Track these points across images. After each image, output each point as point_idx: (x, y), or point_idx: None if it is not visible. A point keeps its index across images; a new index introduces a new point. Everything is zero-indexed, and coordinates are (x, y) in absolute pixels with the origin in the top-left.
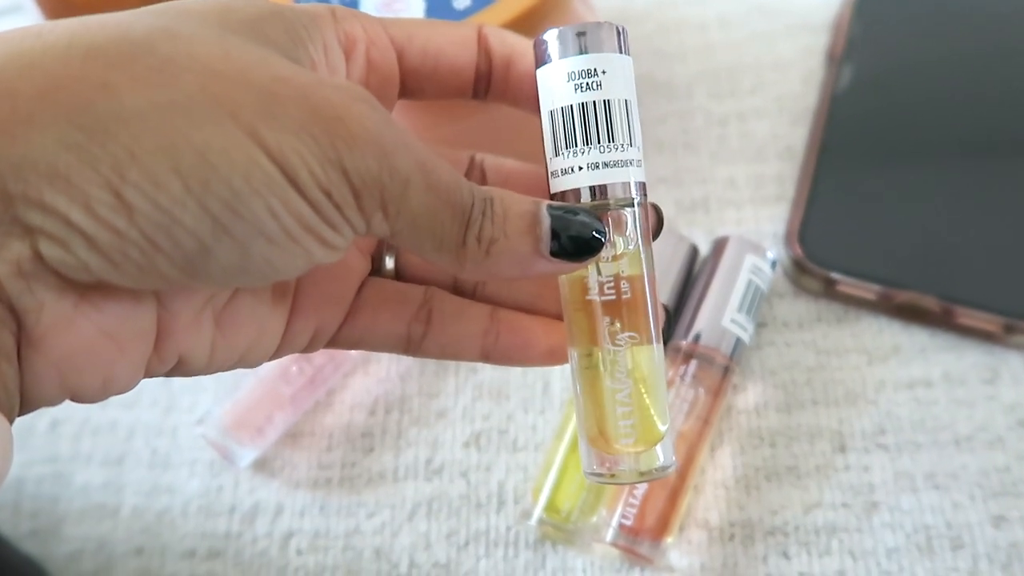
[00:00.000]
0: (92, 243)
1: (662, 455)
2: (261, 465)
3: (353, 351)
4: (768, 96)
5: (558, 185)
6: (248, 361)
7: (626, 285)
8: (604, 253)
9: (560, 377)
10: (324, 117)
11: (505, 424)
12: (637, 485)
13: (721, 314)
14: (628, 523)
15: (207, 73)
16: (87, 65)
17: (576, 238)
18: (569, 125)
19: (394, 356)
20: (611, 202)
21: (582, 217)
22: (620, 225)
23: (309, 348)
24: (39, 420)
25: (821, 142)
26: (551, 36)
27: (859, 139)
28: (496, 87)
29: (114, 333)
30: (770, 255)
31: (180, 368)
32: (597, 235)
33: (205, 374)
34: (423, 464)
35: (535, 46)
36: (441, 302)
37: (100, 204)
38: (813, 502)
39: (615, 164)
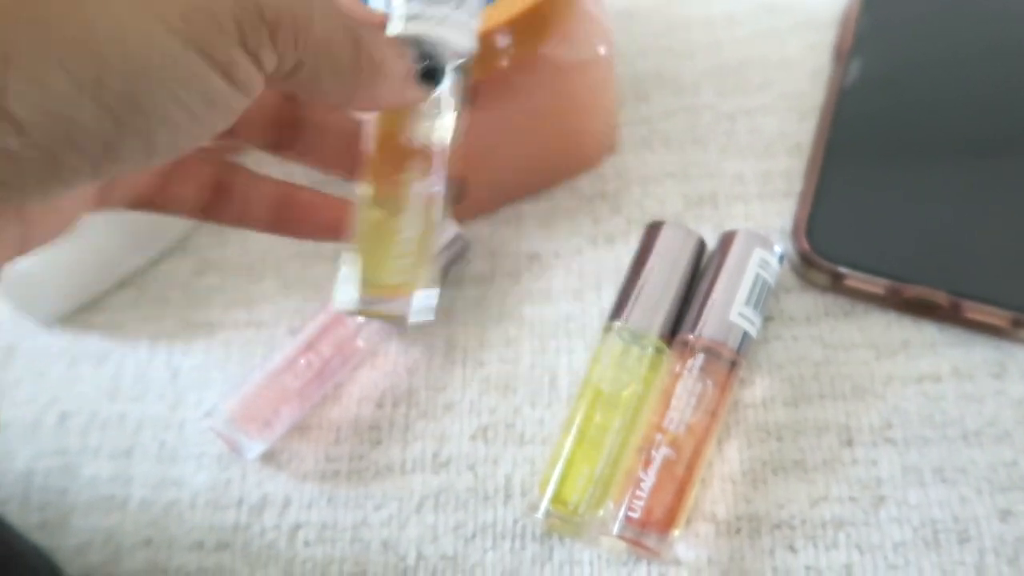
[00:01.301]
0: None
1: (412, 305)
2: (269, 458)
3: (360, 342)
4: (775, 92)
5: (391, 30)
6: (48, 244)
7: (437, 138)
8: (427, 102)
9: (568, 371)
10: None
11: (512, 417)
12: (646, 473)
13: (728, 308)
14: (635, 516)
15: None
16: None
17: (437, 66)
18: None
19: (401, 349)
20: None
21: (439, 48)
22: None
23: (99, 206)
24: (47, 414)
25: (829, 138)
26: None
27: (867, 135)
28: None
29: None
30: (778, 249)
31: None
32: (442, 68)
33: (8, 260)
34: (430, 457)
35: None
36: (235, 173)
37: None
38: (820, 496)
39: (452, 24)
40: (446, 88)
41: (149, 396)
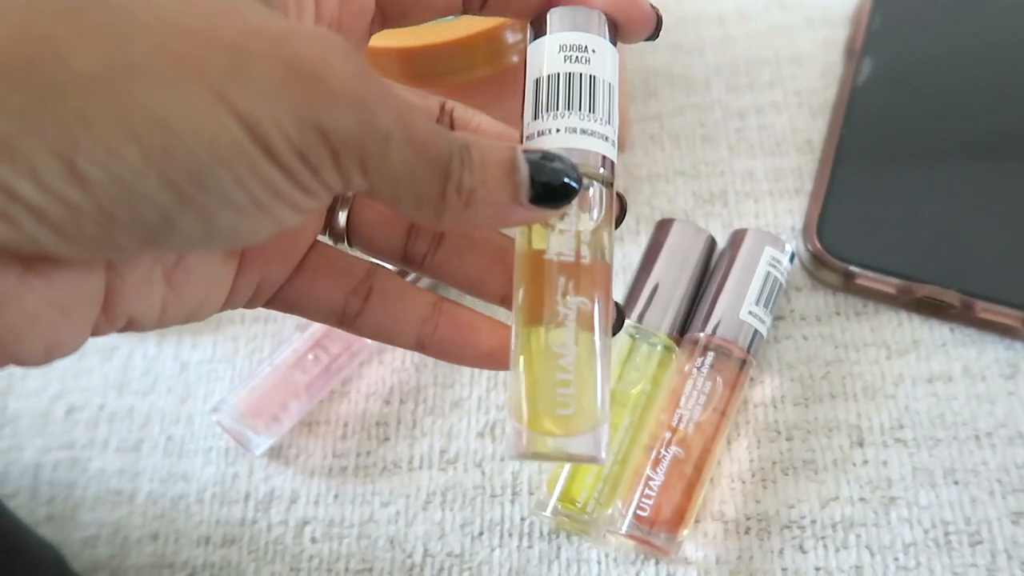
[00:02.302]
0: (42, 217)
1: (594, 443)
2: (276, 453)
3: (369, 339)
4: (787, 89)
5: (531, 146)
6: (196, 316)
7: (585, 251)
8: (569, 219)
9: None
10: (299, 74)
11: None
12: (655, 472)
13: (739, 307)
14: (644, 514)
15: (166, 28)
16: (28, 20)
17: (553, 183)
18: (553, 91)
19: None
20: (582, 166)
21: (558, 163)
22: (585, 197)
23: (250, 304)
24: (56, 407)
25: (840, 135)
26: (550, 14)
27: (878, 132)
28: None
29: (61, 302)
30: (788, 248)
31: (129, 327)
32: (572, 180)
33: (154, 329)
34: (438, 454)
35: (531, 24)
36: (384, 281)
37: (50, 174)
38: (830, 496)
39: (591, 133)
40: (595, 202)
41: (157, 390)
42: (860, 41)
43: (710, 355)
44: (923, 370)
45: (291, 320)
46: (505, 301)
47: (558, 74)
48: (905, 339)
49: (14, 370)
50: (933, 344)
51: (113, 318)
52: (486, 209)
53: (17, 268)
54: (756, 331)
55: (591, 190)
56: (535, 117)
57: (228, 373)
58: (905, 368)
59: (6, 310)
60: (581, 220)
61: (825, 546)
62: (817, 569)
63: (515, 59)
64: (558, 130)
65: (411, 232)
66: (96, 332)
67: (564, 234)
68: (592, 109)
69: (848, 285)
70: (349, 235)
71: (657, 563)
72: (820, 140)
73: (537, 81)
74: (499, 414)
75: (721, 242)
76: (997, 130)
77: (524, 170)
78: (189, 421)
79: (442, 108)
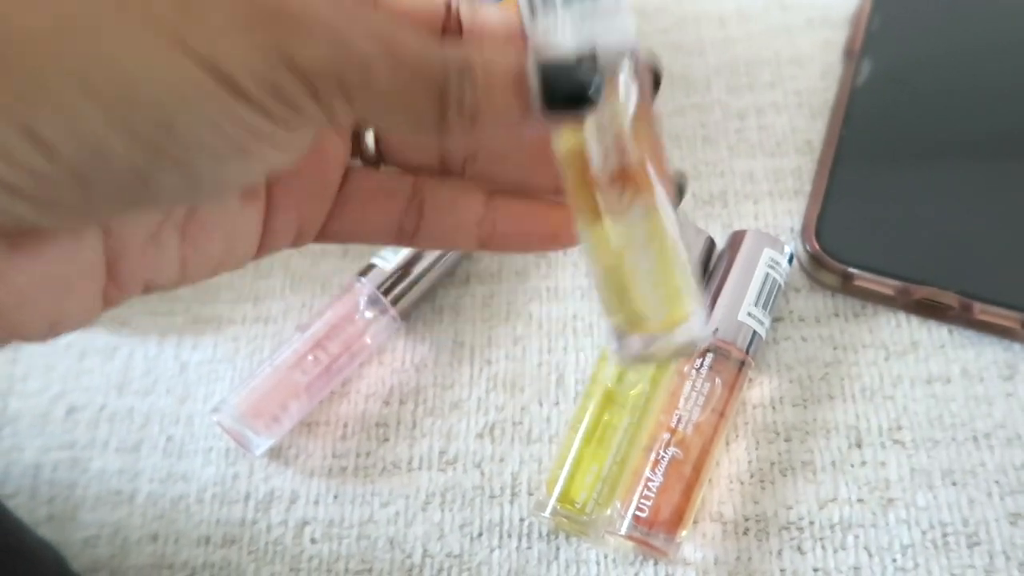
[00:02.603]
0: (14, 191)
1: (696, 325)
2: (276, 453)
3: (368, 339)
4: (787, 90)
5: (541, 47)
6: (227, 266)
7: (629, 141)
8: (601, 115)
9: (575, 369)
10: (260, 6)
11: (519, 416)
12: (654, 472)
13: (737, 308)
14: (643, 515)
15: None
16: None
17: (569, 91)
18: None
19: (409, 346)
20: (602, 57)
21: (574, 67)
22: (613, 84)
23: (296, 244)
24: (56, 407)
25: (840, 136)
26: None
27: (878, 134)
28: None
29: (56, 277)
30: (787, 249)
31: (149, 290)
32: (592, 85)
33: (181, 287)
34: (437, 454)
35: None
36: (433, 193)
37: (12, 146)
38: (828, 497)
39: (603, 15)
40: (625, 85)
41: (157, 390)
42: (860, 42)
43: (709, 356)
44: (921, 371)
45: (291, 321)
46: (559, 193)
47: None
48: (904, 340)
49: (15, 370)
50: (931, 345)
51: (124, 285)
52: (495, 126)
53: (2, 247)
54: (755, 332)
55: (620, 76)
56: (533, 15)
57: (228, 373)
58: (903, 369)
59: None
60: (616, 110)
61: (823, 547)
62: (815, 570)
63: None
64: (565, 22)
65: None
66: (110, 301)
67: (602, 130)
68: None
69: (847, 286)
70: (382, 156)
71: (656, 564)
72: (820, 141)
73: None
74: (498, 415)
75: (720, 243)
76: (996, 131)
77: (535, 80)
78: (189, 421)
79: (448, 9)
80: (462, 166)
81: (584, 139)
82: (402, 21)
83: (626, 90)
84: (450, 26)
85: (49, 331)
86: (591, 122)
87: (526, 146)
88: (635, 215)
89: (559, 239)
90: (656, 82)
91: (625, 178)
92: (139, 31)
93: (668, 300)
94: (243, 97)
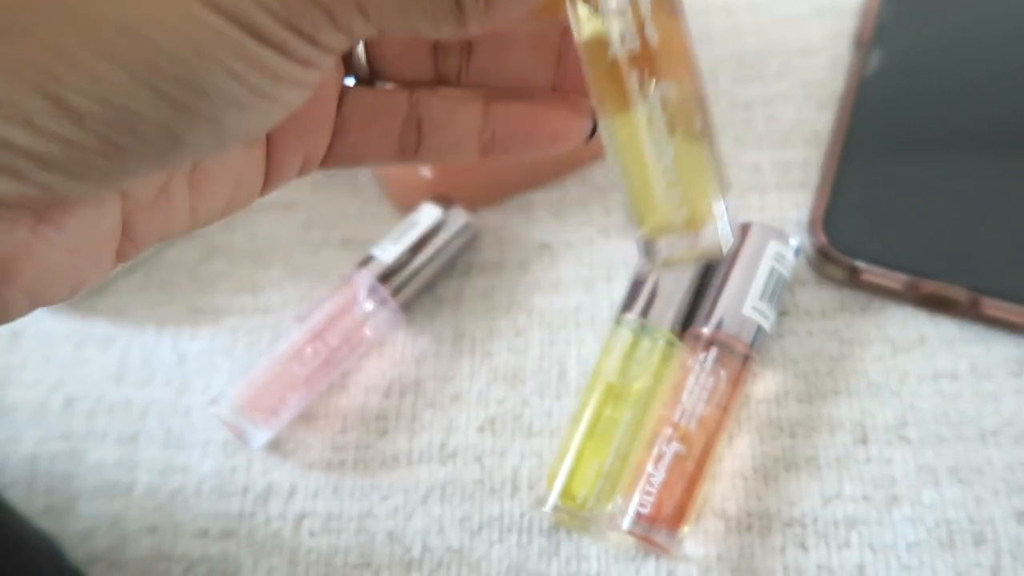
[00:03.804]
0: (47, 163)
1: (719, 229)
2: (275, 446)
3: (368, 331)
4: (795, 81)
5: None
6: (236, 207)
7: (651, 28)
8: None
9: (577, 363)
10: None
11: (520, 409)
12: (656, 468)
13: (742, 301)
14: (645, 511)
15: None
16: None
17: None
18: None
19: (408, 339)
20: None
21: None
22: None
23: (301, 173)
24: (53, 397)
25: (848, 128)
26: None
27: (887, 125)
28: None
29: (80, 247)
30: (793, 242)
31: (162, 240)
32: None
33: (191, 231)
34: (437, 448)
35: None
36: (429, 107)
37: (41, 116)
38: (833, 494)
39: None
40: None
41: (155, 381)
42: (869, 32)
43: (713, 350)
44: (929, 367)
45: (290, 312)
46: (557, 89)
47: None
48: (911, 335)
49: (11, 360)
50: (939, 341)
51: (139, 240)
52: (511, 10)
53: (28, 221)
54: (760, 326)
55: None
56: None
57: (226, 365)
58: (911, 365)
59: (23, 268)
60: None
61: (827, 544)
62: (819, 567)
63: None
64: None
65: (437, 50)
66: (124, 257)
67: (622, 13)
68: None
69: (854, 280)
70: (376, 73)
71: (657, 560)
72: (827, 132)
73: None
74: (499, 408)
75: None
76: (1008, 123)
77: None
78: (187, 413)
79: None
80: (457, 75)
81: (604, 21)
82: None
83: None
84: None
85: (69, 295)
86: (612, 2)
87: (524, 40)
88: (654, 101)
89: (559, 137)
90: None
91: (644, 61)
92: None
93: (689, 198)
94: (263, 39)
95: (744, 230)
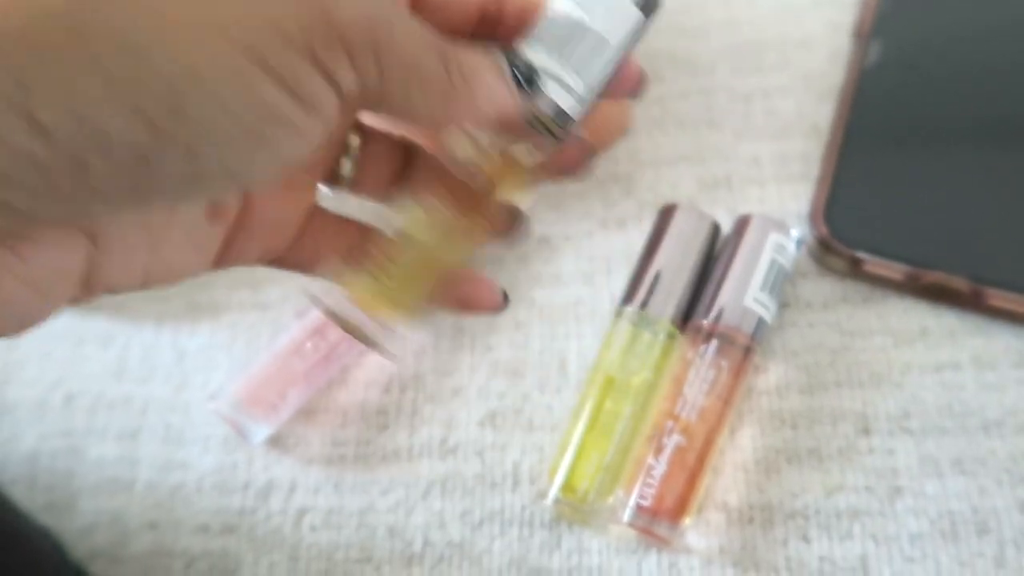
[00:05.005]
0: (9, 182)
1: (392, 340)
2: (275, 442)
3: None
4: (793, 73)
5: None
6: (184, 276)
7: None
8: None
9: (577, 356)
10: None
11: (520, 403)
12: (657, 460)
13: (743, 293)
14: (646, 504)
15: None
16: None
17: (527, 74)
18: (544, 23)
19: (408, 333)
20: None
21: (525, 62)
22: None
23: (252, 264)
24: (54, 394)
25: (848, 120)
26: None
27: (887, 117)
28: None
29: (38, 281)
30: (794, 234)
31: (108, 292)
32: (536, 76)
33: (139, 291)
34: (438, 442)
35: None
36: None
37: (10, 132)
38: (835, 485)
39: (554, 78)
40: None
41: (155, 377)
42: (868, 23)
43: (714, 342)
44: (931, 358)
45: (290, 308)
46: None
47: (562, 12)
48: (913, 327)
49: (12, 358)
50: (941, 332)
51: (92, 288)
52: (486, 89)
53: None
54: (761, 318)
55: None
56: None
57: (226, 361)
58: (913, 356)
59: None
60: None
61: (829, 536)
62: (821, 559)
63: None
64: (527, 54)
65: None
66: (73, 302)
67: (479, 149)
68: (568, 56)
69: (855, 271)
70: (354, 184)
71: (659, 552)
72: (827, 124)
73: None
74: (499, 403)
75: (725, 228)
76: (1009, 114)
77: (504, 60)
78: (187, 409)
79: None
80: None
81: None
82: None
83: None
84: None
85: (15, 331)
86: (474, 139)
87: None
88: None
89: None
90: (519, 222)
91: (460, 196)
92: (156, 2)
93: (392, 294)
94: (270, 73)
95: (744, 222)
